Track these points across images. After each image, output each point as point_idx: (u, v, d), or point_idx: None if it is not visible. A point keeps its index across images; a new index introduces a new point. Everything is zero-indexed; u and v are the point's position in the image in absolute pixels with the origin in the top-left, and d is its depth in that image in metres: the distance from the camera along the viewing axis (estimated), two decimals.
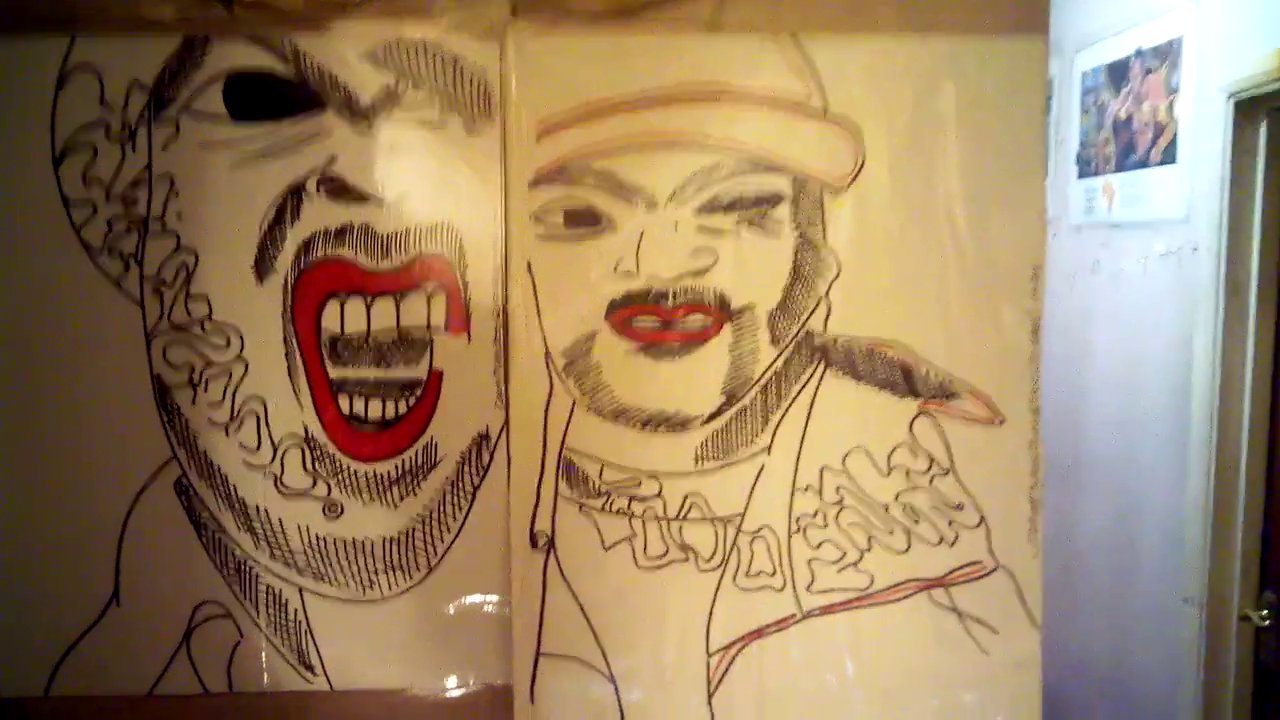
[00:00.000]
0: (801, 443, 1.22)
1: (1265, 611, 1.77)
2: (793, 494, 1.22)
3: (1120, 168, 2.17)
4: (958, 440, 1.22)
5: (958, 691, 1.23)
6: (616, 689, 1.22)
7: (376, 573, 1.21)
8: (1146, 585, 2.05)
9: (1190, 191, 1.92)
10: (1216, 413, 1.81)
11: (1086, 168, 2.32)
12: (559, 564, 1.21)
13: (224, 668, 1.22)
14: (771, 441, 1.22)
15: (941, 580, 1.23)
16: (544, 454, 1.20)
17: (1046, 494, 2.44)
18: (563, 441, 1.20)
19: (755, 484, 1.22)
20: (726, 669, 1.23)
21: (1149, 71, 2.09)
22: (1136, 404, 2.08)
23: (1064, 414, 2.35)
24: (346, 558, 1.20)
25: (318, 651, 1.22)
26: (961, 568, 1.23)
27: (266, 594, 1.21)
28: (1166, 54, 2.03)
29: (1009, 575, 1.23)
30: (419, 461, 1.19)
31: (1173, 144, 1.99)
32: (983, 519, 1.23)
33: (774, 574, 1.23)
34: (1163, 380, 1.97)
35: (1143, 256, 2.07)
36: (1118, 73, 2.20)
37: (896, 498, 1.23)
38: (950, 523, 1.23)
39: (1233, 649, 1.84)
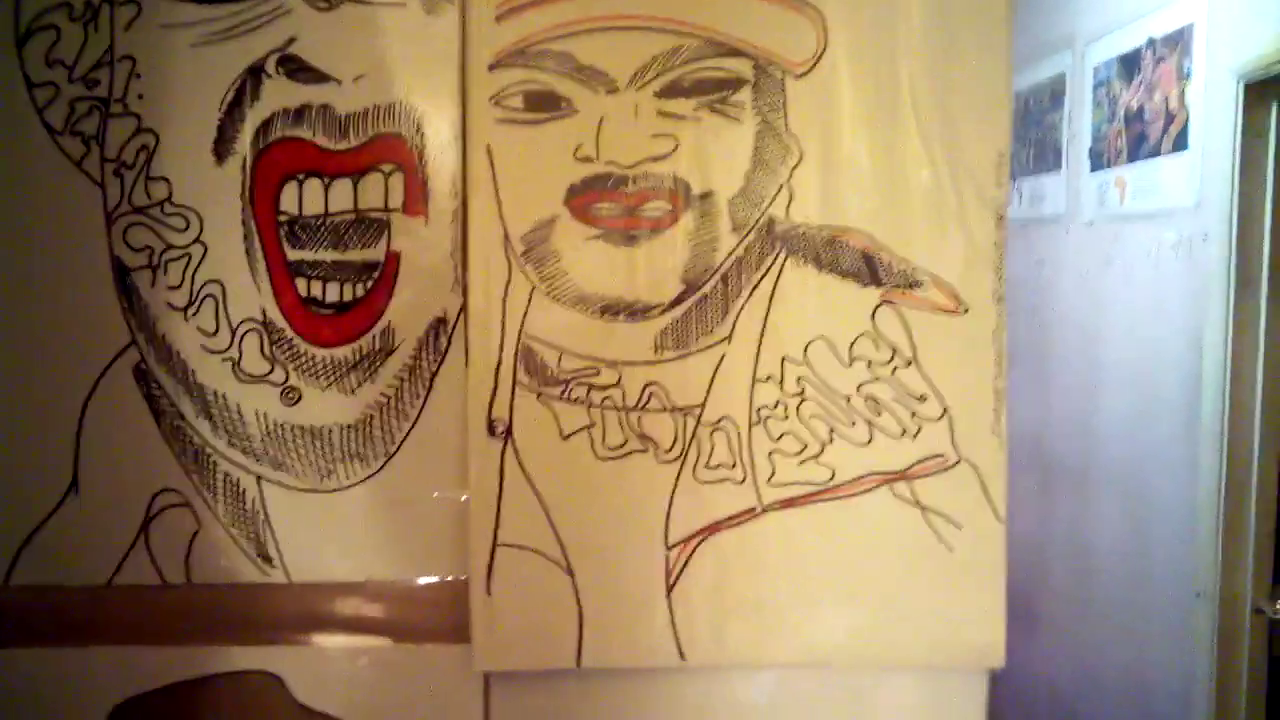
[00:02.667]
0: (762, 333, 1.21)
1: (1279, 605, 1.74)
2: (753, 385, 1.21)
3: (1132, 159, 2.16)
4: (921, 330, 1.21)
5: (920, 586, 1.22)
6: (574, 581, 1.20)
7: (334, 461, 1.20)
8: (1158, 581, 2.03)
9: (1201, 178, 1.91)
10: (1228, 402, 1.79)
11: (1099, 161, 2.31)
12: (517, 453, 1.20)
13: (182, 558, 1.21)
14: (732, 331, 1.21)
15: (904, 473, 1.22)
16: (502, 341, 1.19)
17: (1058, 498, 2.43)
18: (521, 328, 1.19)
19: (715, 374, 1.21)
20: (686, 563, 1.22)
21: (1160, 60, 2.08)
22: (1147, 398, 2.06)
23: (1075, 413, 2.33)
24: (304, 445, 1.20)
25: (275, 542, 1.21)
26: (924, 460, 1.21)
27: (224, 483, 1.20)
28: (1178, 41, 2.02)
29: (972, 468, 1.21)
30: (376, 346, 1.18)
31: (1184, 131, 1.98)
32: (946, 411, 1.21)
33: (734, 466, 1.21)
34: (1173, 371, 1.95)
35: (1154, 248, 2.05)
36: (1129, 64, 2.19)
37: (858, 389, 1.21)
38: (913, 415, 1.21)
39: (1246, 642, 1.81)
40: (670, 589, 1.21)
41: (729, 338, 1.21)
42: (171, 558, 1.22)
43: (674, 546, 1.22)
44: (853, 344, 1.21)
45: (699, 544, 1.22)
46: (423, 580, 1.23)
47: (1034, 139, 2.64)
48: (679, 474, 1.21)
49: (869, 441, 1.21)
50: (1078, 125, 2.41)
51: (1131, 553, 2.13)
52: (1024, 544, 2.44)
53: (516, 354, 1.19)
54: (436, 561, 1.22)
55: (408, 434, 1.20)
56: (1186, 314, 1.92)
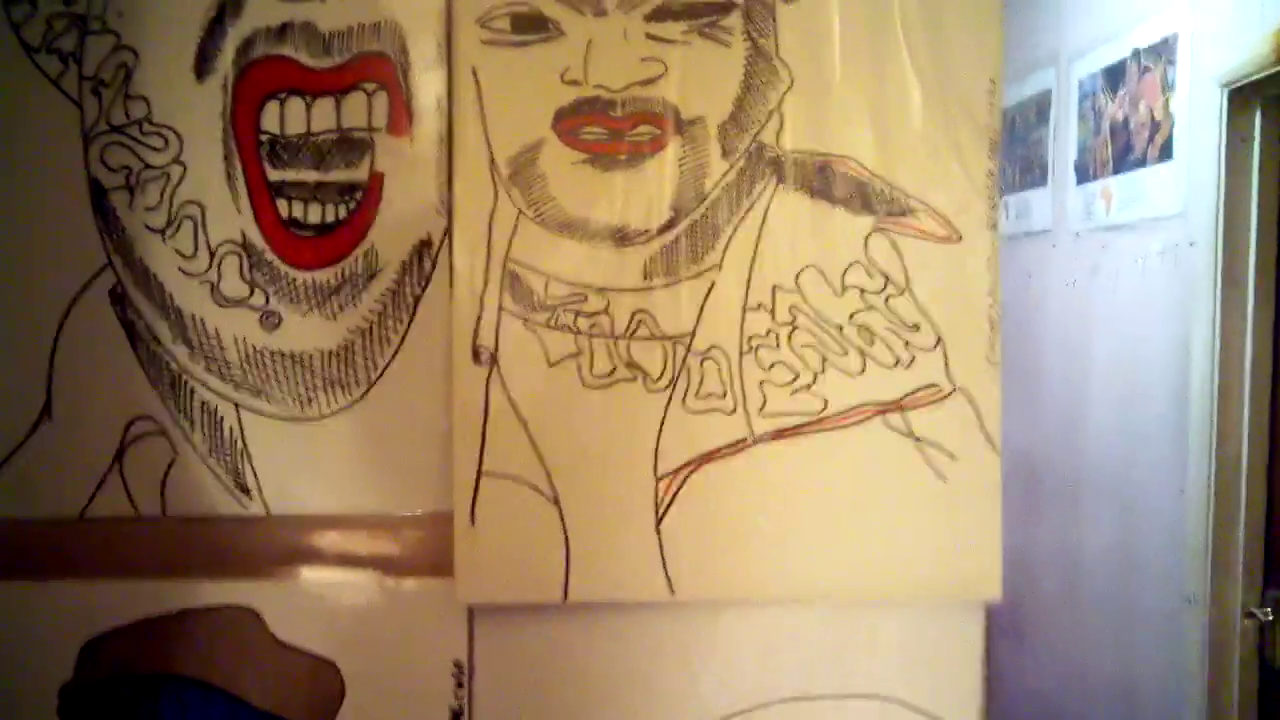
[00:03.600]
0: (753, 260, 1.19)
1: (1269, 609, 1.72)
2: (744, 313, 1.19)
3: (1118, 169, 2.17)
4: (914, 259, 1.19)
5: (914, 519, 1.19)
6: (561, 512, 1.18)
7: (315, 389, 1.17)
8: (1148, 588, 2.02)
9: (1187, 186, 1.91)
10: (1216, 407, 1.78)
11: (1085, 174, 2.32)
12: (502, 381, 1.17)
13: (157, 489, 1.18)
14: (722, 259, 1.19)
15: (897, 404, 1.20)
16: (487, 265, 1.17)
17: (1048, 510, 2.42)
18: (507, 253, 1.17)
19: (705, 302, 1.19)
20: (675, 494, 1.19)
21: (1145, 71, 2.09)
22: (1135, 405, 2.06)
23: (1065, 423, 2.33)
24: (284, 372, 1.17)
25: (254, 473, 1.18)
26: (918, 390, 1.19)
27: (202, 410, 1.17)
28: (1162, 52, 2.03)
29: (967, 398, 1.19)
30: (359, 269, 1.16)
31: (1169, 141, 1.99)
32: (940, 340, 1.19)
33: (724, 396, 1.19)
34: (1161, 377, 1.95)
35: (1141, 256, 2.06)
36: (1114, 76, 2.20)
37: (851, 318, 1.19)
38: (906, 344, 1.19)
39: (1237, 646, 1.79)
40: (659, 521, 1.19)
41: (719, 265, 1.19)
42: (146, 488, 1.18)
43: (663, 478, 1.19)
44: (845, 272, 1.19)
45: (689, 475, 1.19)
46: (405, 513, 1.20)
47: (1020, 155, 2.65)
48: (668, 404, 1.19)
49: (862, 371, 1.19)
50: (1063, 139, 2.42)
51: (1120, 561, 2.11)
52: (1012, 558, 2.44)
53: (502, 279, 1.17)
54: (419, 494, 1.19)
55: (391, 361, 1.18)
56: (1173, 320, 1.92)
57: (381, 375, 1.17)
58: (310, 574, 1.19)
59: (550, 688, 1.22)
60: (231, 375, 1.17)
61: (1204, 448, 1.82)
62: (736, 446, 1.19)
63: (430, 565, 1.19)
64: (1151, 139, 2.06)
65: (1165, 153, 2.00)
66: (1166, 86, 2.00)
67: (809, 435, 1.20)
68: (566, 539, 1.18)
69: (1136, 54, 2.12)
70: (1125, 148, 2.15)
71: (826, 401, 1.19)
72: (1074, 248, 2.35)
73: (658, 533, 1.19)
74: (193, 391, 1.17)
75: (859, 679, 1.22)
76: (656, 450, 1.19)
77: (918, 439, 1.19)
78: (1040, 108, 2.55)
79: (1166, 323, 1.93)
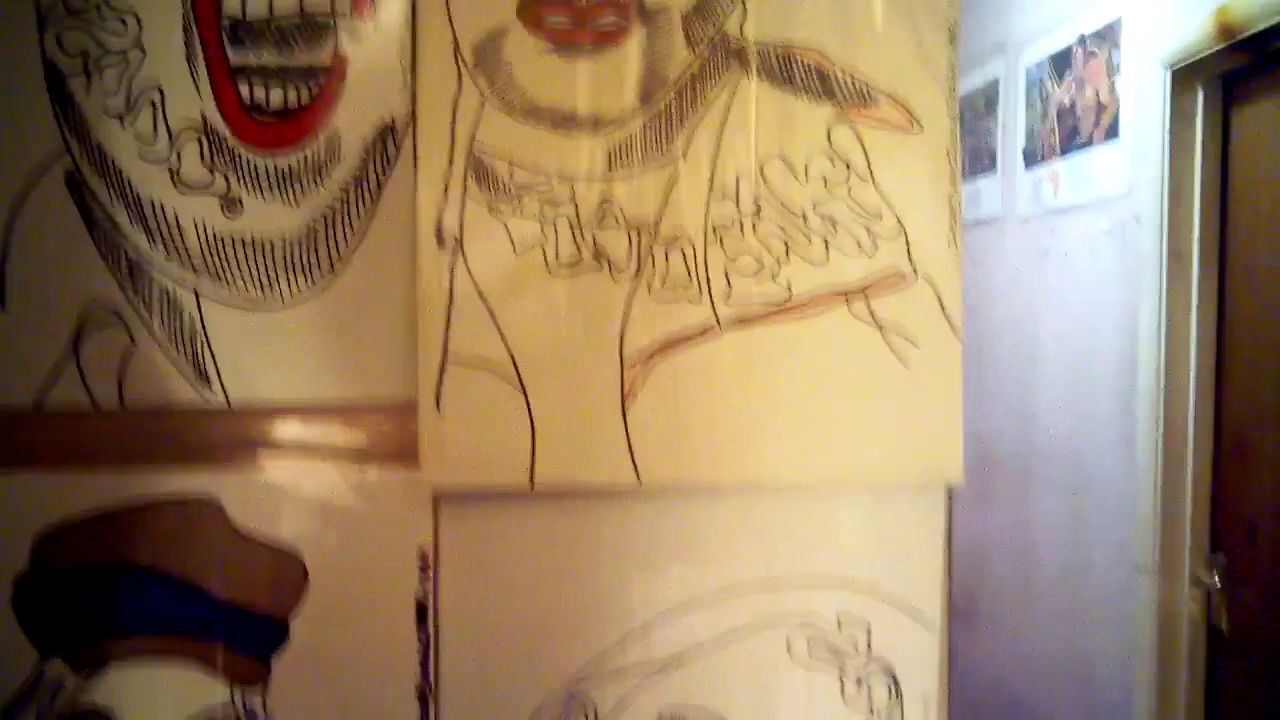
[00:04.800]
0: (717, 150, 1.20)
1: (1216, 574, 1.76)
2: (709, 202, 1.20)
3: (1065, 152, 2.21)
4: (876, 148, 1.20)
5: (878, 404, 1.20)
6: (527, 399, 1.17)
7: (277, 276, 1.16)
8: (1099, 561, 2.05)
9: (1132, 165, 1.96)
10: (1162, 377, 1.82)
11: (1033, 159, 2.36)
12: (467, 267, 1.17)
13: (115, 379, 1.16)
14: (687, 148, 1.19)
15: (861, 290, 1.21)
16: (452, 151, 1.16)
17: (1000, 496, 2.45)
18: (472, 139, 1.17)
19: (670, 191, 1.19)
20: (641, 382, 1.19)
21: (1091, 56, 2.13)
22: (1084, 384, 2.09)
23: (1016, 408, 2.36)
24: (245, 259, 1.16)
25: (214, 362, 1.17)
26: (881, 277, 1.21)
27: (161, 298, 1.16)
28: (1107, 36, 2.08)
29: (929, 284, 1.21)
30: (321, 154, 1.15)
31: (1114, 122, 2.03)
32: (901, 227, 1.21)
33: (690, 284, 1.20)
34: (1109, 353, 1.99)
35: (1088, 236, 2.09)
36: (1060, 62, 2.24)
37: (814, 207, 1.21)
38: (869, 231, 1.21)
39: (1185, 614, 1.82)
40: (625, 408, 1.19)
41: (684, 154, 1.19)
42: (104, 378, 1.16)
43: (629, 365, 1.19)
44: (808, 161, 1.20)
45: (655, 363, 1.19)
46: (369, 401, 1.19)
47: (969, 145, 2.69)
48: (634, 292, 1.19)
49: (826, 259, 1.20)
50: (1011, 126, 2.46)
51: (1071, 537, 2.14)
52: (967, 549, 2.47)
53: (467, 166, 1.17)
54: (384, 382, 1.18)
55: (354, 247, 1.17)
56: (1121, 296, 1.95)
57: (345, 261, 1.16)
58: (272, 464, 1.18)
59: (516, 577, 1.21)
60: (191, 262, 1.15)
61: (1151, 418, 1.86)
62: (702, 334, 1.20)
63: (394, 454, 1.18)
64: (1097, 121, 2.10)
65: (1111, 134, 2.04)
66: (1112, 70, 2.04)
67: (774, 323, 1.21)
68: (533, 425, 1.17)
69: (1082, 39, 2.17)
70: (1072, 131, 2.19)
71: (791, 289, 1.20)
72: (1023, 232, 2.39)
73: (624, 420, 1.19)
74: (151, 279, 1.15)
75: (824, 565, 1.23)
76: (622, 338, 1.19)
77: (881, 325, 1.21)
78: (989, 98, 2.60)
79: (1114, 300, 1.97)
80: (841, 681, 1.24)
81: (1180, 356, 1.82)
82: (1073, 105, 2.19)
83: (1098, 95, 2.09)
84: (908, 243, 1.21)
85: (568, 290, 1.18)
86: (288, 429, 1.18)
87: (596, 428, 1.19)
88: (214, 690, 1.18)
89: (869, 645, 1.23)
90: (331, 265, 1.17)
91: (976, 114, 2.67)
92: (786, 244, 1.20)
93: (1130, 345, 1.92)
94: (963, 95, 2.69)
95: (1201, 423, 1.84)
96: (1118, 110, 2.00)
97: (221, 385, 1.17)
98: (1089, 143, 2.11)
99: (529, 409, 1.18)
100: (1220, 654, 1.78)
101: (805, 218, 1.20)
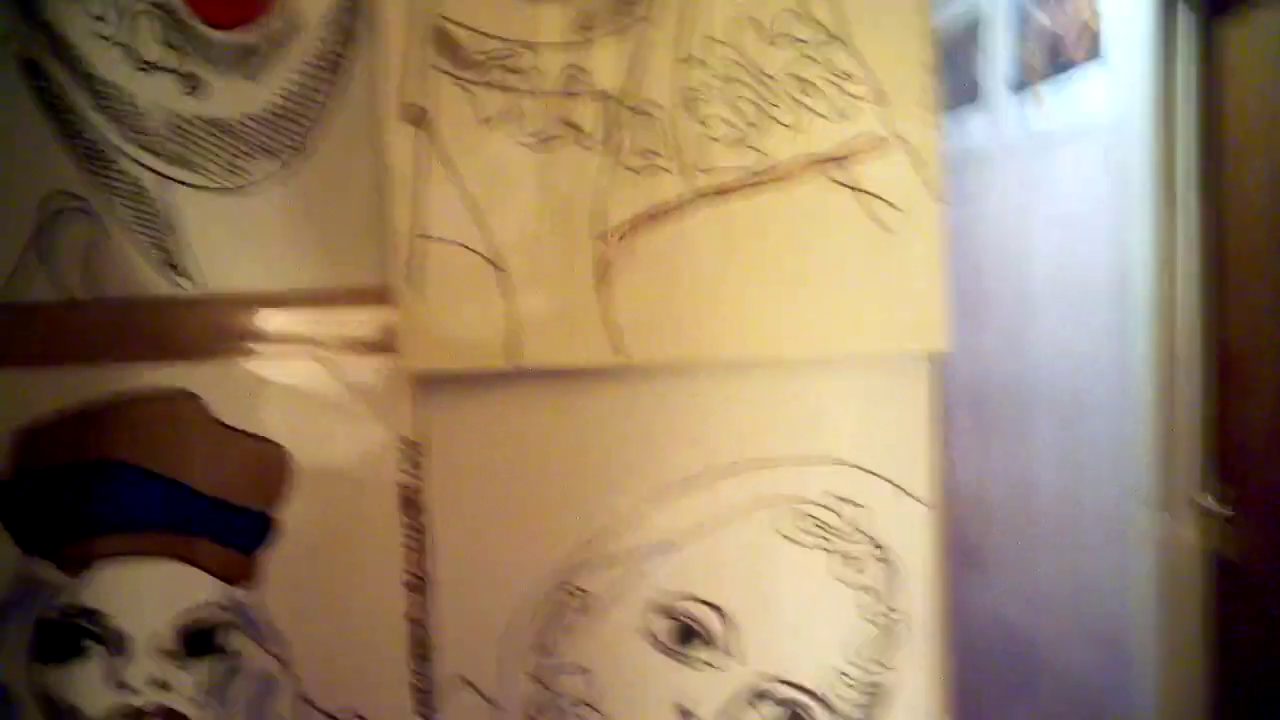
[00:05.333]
0: (683, 10, 1.17)
1: (1219, 500, 1.74)
2: (677, 66, 1.17)
3: (1050, 75, 2.16)
4: (850, 7, 1.18)
5: (860, 272, 1.19)
6: (502, 274, 1.16)
7: (241, 156, 1.14)
8: (1098, 492, 2.04)
9: (1118, 86, 1.92)
10: (1156, 297, 1.79)
11: (1017, 84, 2.31)
12: (435, 141, 1.14)
13: (82, 270, 1.14)
14: (650, 9, 1.17)
15: (837, 155, 1.19)
16: (412, 20, 1.14)
17: (997, 436, 2.42)
18: (433, 9, 1.14)
19: (637, 55, 1.17)
20: (620, 257, 1.18)
21: None
22: (1077, 310, 2.07)
23: (1010, 344, 2.34)
24: (209, 139, 1.13)
25: (184, 249, 1.14)
26: (858, 142, 1.19)
27: (124, 183, 1.14)
28: None
29: (906, 147, 1.18)
30: (281, 26, 1.12)
31: (1099, 42, 1.98)
32: (876, 88, 1.18)
33: (662, 152, 1.18)
34: (1101, 282, 1.97)
35: (1076, 160, 2.06)
36: None
37: (786, 69, 1.18)
38: (844, 93, 1.19)
39: (1186, 537, 1.81)
40: (603, 282, 1.17)
41: (648, 17, 1.17)
42: (70, 269, 1.14)
43: (608, 240, 1.18)
44: (778, 20, 1.18)
45: (631, 235, 1.18)
46: (346, 287, 1.17)
47: (951, 79, 2.65)
48: (606, 161, 1.17)
49: (801, 125, 1.18)
50: (995, 54, 2.41)
51: (1070, 475, 2.13)
52: (966, 491, 2.46)
53: (429, 35, 1.14)
54: (358, 265, 1.17)
55: (319, 123, 1.14)
56: (1111, 216, 1.93)
57: (310, 138, 1.14)
58: (249, 354, 1.17)
59: (501, 462, 1.20)
60: (153, 144, 1.13)
61: (1145, 342, 1.84)
62: (678, 204, 1.18)
63: (373, 340, 1.17)
64: (1081, 41, 2.06)
65: (1095, 53, 2.01)
66: None
67: (752, 193, 1.18)
68: (509, 302, 1.16)
69: None
70: (1055, 52, 2.15)
71: (766, 155, 1.18)
72: (1010, 161, 2.36)
73: (602, 294, 1.17)
74: (113, 163, 1.13)
75: (813, 442, 1.21)
76: (597, 210, 1.17)
77: (861, 191, 1.19)
78: (969, 26, 2.56)
79: (1104, 221, 1.94)
80: (834, 560, 1.23)
81: (1173, 279, 1.80)
82: (1056, 26, 2.15)
83: (1081, 14, 2.05)
84: (884, 105, 1.18)
85: (539, 164, 1.16)
86: (263, 317, 1.16)
87: (575, 305, 1.17)
88: (203, 588, 1.17)
89: (861, 523, 1.22)
90: (297, 142, 1.14)
91: (959, 43, 2.63)
92: (759, 108, 1.18)
93: (1121, 269, 1.90)
94: (944, 23, 2.65)
95: (1197, 347, 1.82)
96: (1102, 28, 1.97)
97: (192, 272, 1.15)
98: (1073, 63, 2.08)
99: (505, 286, 1.16)
100: (1222, 581, 1.77)
101: (777, 80, 1.18)
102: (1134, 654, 1.82)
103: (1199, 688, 1.78)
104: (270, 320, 1.17)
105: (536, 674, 1.21)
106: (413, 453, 1.19)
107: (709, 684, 1.21)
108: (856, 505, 1.23)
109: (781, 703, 1.22)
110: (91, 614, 1.16)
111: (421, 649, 1.19)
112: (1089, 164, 2.03)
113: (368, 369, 1.17)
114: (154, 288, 1.16)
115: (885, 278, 1.19)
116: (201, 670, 1.16)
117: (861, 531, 1.23)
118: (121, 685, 1.14)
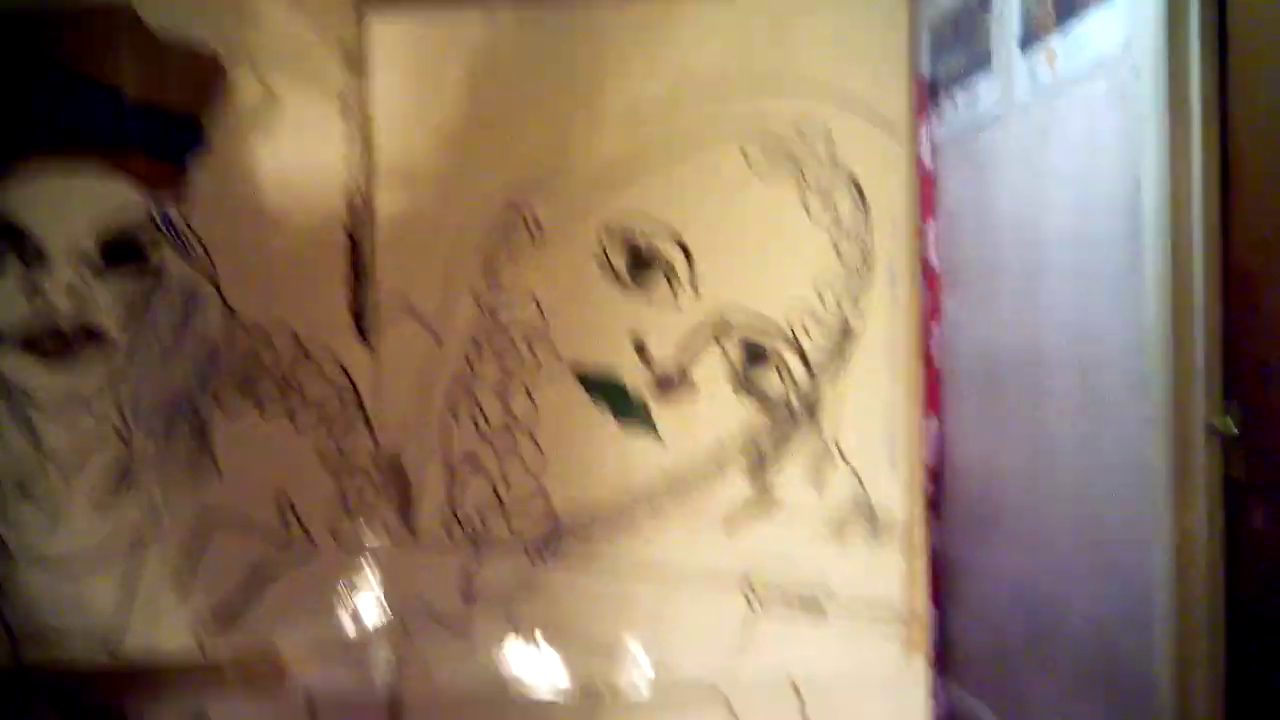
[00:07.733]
0: None
1: (1230, 419, 1.69)
2: None
3: (1059, 23, 2.20)
4: None
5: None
6: None
7: None
8: (1110, 414, 1.98)
9: (1128, 20, 1.95)
10: (1168, 229, 1.78)
11: (1028, 41, 2.34)
12: None
13: None
14: None
15: None
16: None
17: (1008, 392, 2.29)
18: None
19: None
20: None
21: None
22: (1091, 253, 2.04)
23: (1022, 302, 2.31)
24: None
25: None
26: None
27: None
28: None
29: None
30: None
31: None
32: None
33: None
34: (1114, 216, 1.94)
35: (1087, 104, 2.07)
36: None
37: None
38: None
39: (1201, 461, 1.76)
40: None
41: None
42: None
43: None
44: None
45: None
46: None
47: (963, 48, 2.68)
48: None
49: None
50: (1006, 14, 2.44)
51: (1087, 413, 2.07)
52: (979, 453, 2.40)
53: None
54: None
55: None
56: (1123, 155, 1.90)
57: None
58: None
59: (447, 77, 1.13)
60: None
61: (1158, 271, 1.81)
62: None
63: None
64: None
65: None
66: None
67: None
68: None
69: None
70: (1066, 3, 2.18)
71: None
72: (1023, 118, 2.36)
73: None
74: None
75: (778, 66, 1.13)
76: None
77: None
78: None
79: (1117, 161, 1.91)
80: (804, 193, 1.16)
81: (1185, 202, 1.77)
82: None
83: None
84: None
85: None
86: None
87: None
88: (129, 202, 1.11)
89: (831, 154, 1.15)
90: None
91: (971, 11, 2.66)
92: None
93: (1133, 208, 1.87)
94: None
95: (1210, 266, 1.78)
96: None
97: None
98: (1086, 6, 2.10)
99: None
100: (1239, 505, 1.69)
101: None
102: (1154, 598, 1.73)
103: (1216, 625, 1.70)
104: None
105: (482, 302, 1.13)
106: (355, 62, 1.13)
107: (666, 316, 1.13)
108: (827, 135, 1.14)
109: (746, 340, 1.14)
110: (11, 224, 1.11)
111: (360, 268, 1.12)
112: (1099, 104, 2.01)
113: None
114: None
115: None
116: (122, 284, 1.09)
117: (832, 162, 1.15)
118: (36, 292, 1.08)
